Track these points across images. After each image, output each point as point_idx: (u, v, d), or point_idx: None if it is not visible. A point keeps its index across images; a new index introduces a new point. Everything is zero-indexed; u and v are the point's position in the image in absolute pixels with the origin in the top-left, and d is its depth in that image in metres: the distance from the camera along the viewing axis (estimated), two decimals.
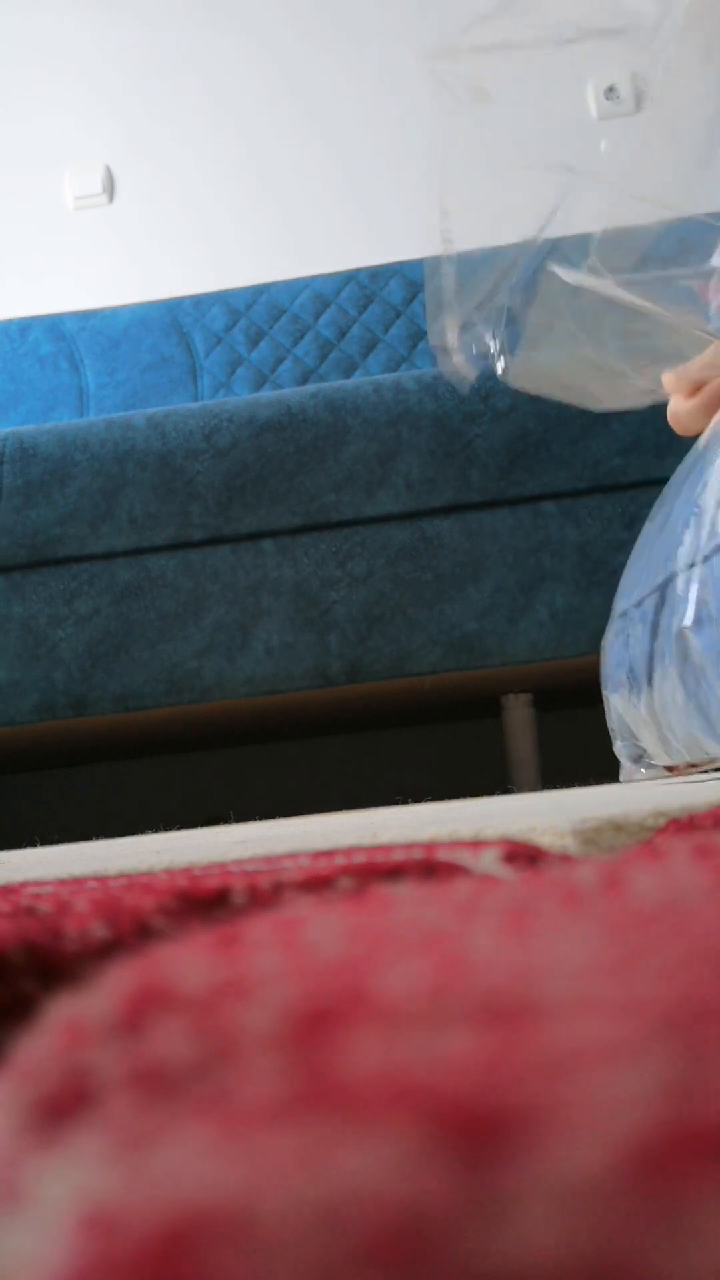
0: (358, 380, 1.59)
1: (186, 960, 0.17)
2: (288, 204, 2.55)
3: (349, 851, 0.36)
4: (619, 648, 0.87)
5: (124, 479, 1.54)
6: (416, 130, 2.52)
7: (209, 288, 2.43)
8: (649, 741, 0.84)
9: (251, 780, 2.12)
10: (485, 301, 0.86)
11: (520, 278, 0.84)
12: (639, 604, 0.81)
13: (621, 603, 0.92)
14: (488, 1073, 0.11)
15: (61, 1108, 0.12)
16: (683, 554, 0.72)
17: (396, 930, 0.18)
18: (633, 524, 1.49)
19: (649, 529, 0.89)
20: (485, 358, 0.86)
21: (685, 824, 0.37)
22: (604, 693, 0.95)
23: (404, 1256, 0.08)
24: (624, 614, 0.88)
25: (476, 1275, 0.08)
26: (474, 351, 0.87)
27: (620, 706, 0.89)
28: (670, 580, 0.74)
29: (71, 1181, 0.10)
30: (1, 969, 0.21)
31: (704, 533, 0.68)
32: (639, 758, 0.89)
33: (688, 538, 0.72)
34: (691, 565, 0.70)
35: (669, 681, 0.73)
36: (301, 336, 2.27)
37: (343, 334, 2.26)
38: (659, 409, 0.94)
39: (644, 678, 0.79)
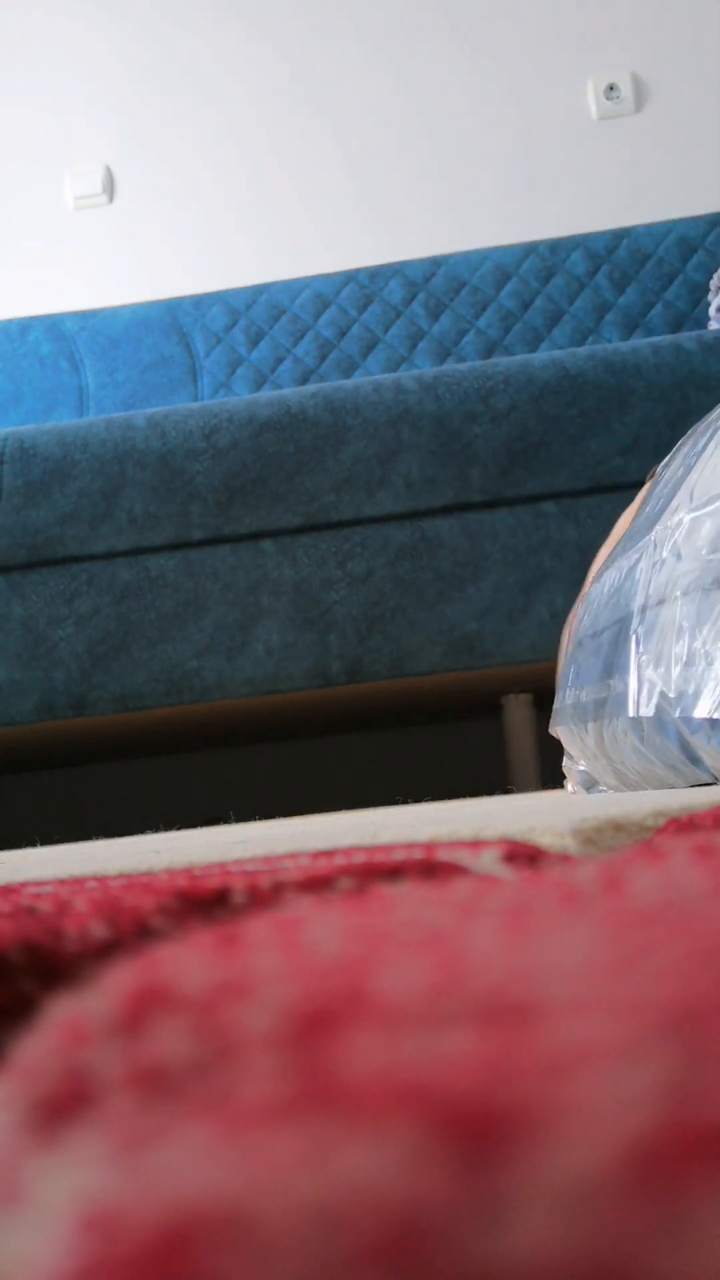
0: (358, 380, 1.59)
1: (186, 960, 0.17)
2: (288, 204, 2.55)
3: (349, 851, 0.36)
4: (571, 675, 0.82)
5: (124, 479, 1.54)
6: (417, 130, 2.52)
7: (209, 288, 2.43)
8: (601, 772, 0.80)
9: (251, 780, 2.12)
10: None
11: None
12: (596, 635, 0.76)
13: (581, 627, 0.83)
14: (488, 1073, 0.11)
15: (61, 1108, 0.12)
16: (639, 593, 0.68)
17: (396, 930, 0.18)
18: None
19: (619, 553, 0.81)
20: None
21: (685, 824, 0.37)
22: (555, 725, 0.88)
23: (404, 1257, 0.08)
24: (580, 644, 0.81)
25: (476, 1275, 0.08)
26: None
27: (566, 736, 0.84)
28: (628, 619, 0.70)
29: (71, 1181, 0.10)
30: (1, 969, 0.21)
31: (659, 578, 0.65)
32: (592, 785, 0.86)
33: (644, 576, 0.68)
34: (644, 608, 0.67)
35: (620, 721, 0.70)
36: (301, 336, 2.27)
37: (343, 334, 2.26)
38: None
39: (591, 713, 0.75)
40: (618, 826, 0.37)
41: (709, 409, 1.49)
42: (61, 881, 0.39)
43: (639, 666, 0.67)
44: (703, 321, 2.18)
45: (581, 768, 0.87)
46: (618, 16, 2.49)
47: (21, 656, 1.53)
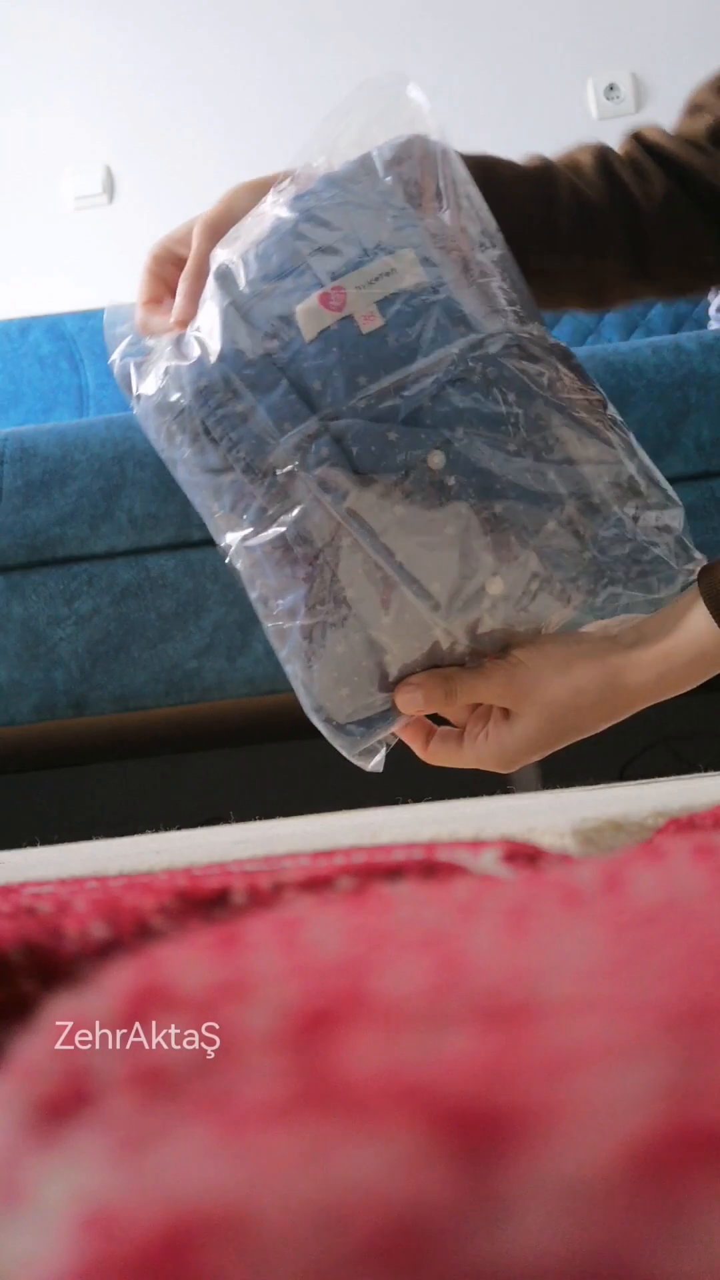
0: None
1: (186, 960, 0.17)
2: None
3: (349, 851, 0.36)
4: None
5: (124, 479, 1.54)
6: None
7: None
8: None
9: (251, 780, 2.12)
10: None
11: None
12: None
13: None
14: (488, 1073, 0.11)
15: (61, 1108, 0.12)
16: None
17: (396, 930, 0.18)
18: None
19: None
20: None
21: (685, 824, 0.37)
22: None
23: (404, 1256, 0.08)
24: None
25: (476, 1275, 0.08)
26: None
27: None
28: None
29: (71, 1181, 0.10)
30: (1, 969, 0.21)
31: None
32: None
33: None
34: None
35: None
36: None
37: None
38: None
39: None
40: (618, 826, 0.37)
41: (709, 409, 1.49)
42: (61, 881, 0.39)
43: None
44: (702, 321, 2.18)
45: None
46: (618, 16, 2.49)
47: (21, 656, 1.53)
